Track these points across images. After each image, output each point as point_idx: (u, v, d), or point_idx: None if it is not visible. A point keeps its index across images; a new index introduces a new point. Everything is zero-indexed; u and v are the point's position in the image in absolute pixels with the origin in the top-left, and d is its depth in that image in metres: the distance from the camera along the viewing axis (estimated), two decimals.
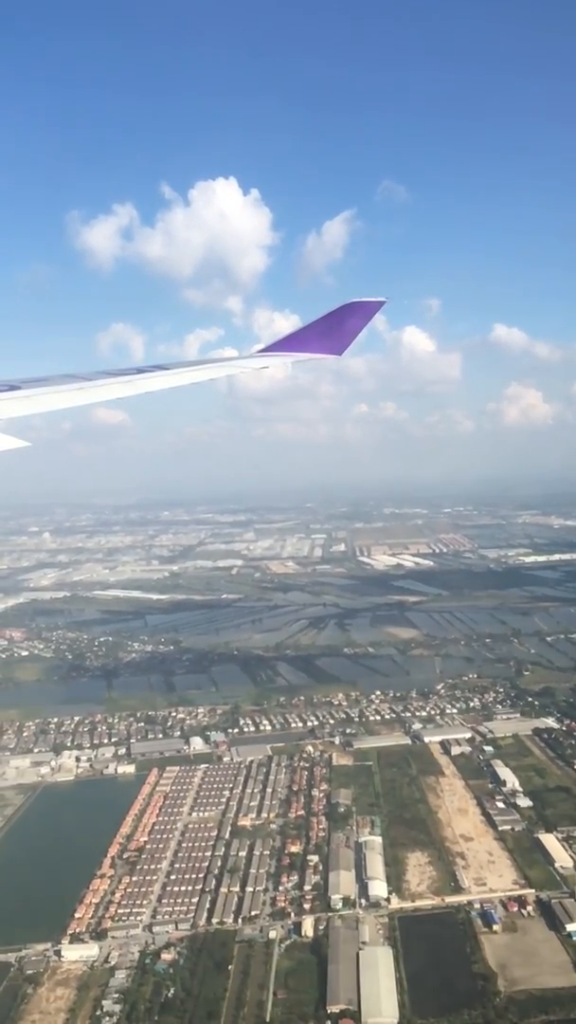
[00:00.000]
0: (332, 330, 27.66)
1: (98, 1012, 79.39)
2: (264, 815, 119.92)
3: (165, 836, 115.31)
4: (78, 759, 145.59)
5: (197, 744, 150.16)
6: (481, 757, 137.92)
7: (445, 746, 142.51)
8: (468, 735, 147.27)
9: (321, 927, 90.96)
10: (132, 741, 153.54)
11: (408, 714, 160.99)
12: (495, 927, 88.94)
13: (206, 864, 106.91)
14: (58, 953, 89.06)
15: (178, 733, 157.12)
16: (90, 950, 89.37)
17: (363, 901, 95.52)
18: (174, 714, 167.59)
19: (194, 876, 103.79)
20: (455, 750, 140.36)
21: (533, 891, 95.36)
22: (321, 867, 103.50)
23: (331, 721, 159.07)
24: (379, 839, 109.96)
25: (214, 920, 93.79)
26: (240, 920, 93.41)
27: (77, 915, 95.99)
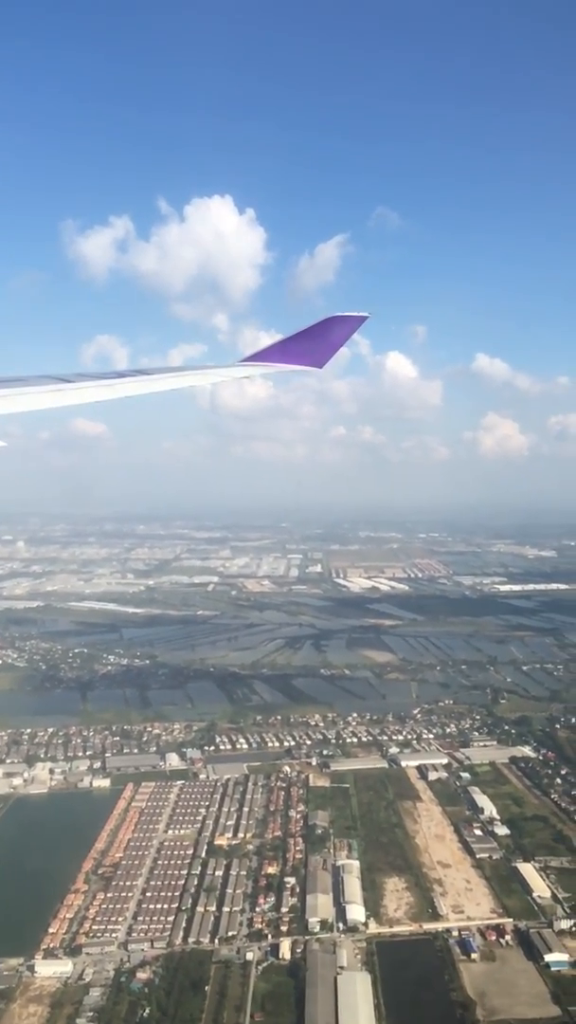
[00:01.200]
0: (314, 343, 27.80)
1: None
2: (241, 835, 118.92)
3: (140, 853, 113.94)
4: (52, 771, 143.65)
5: (173, 760, 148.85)
6: (458, 783, 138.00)
7: (422, 771, 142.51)
8: (445, 761, 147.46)
9: (298, 950, 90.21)
10: (107, 755, 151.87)
11: (385, 737, 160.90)
12: (473, 955, 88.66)
13: (182, 882, 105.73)
14: (31, 968, 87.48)
15: (154, 748, 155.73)
16: (64, 966, 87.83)
17: (341, 925, 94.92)
18: (150, 729, 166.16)
19: (170, 894, 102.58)
20: (432, 775, 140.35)
21: (511, 920, 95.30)
22: (298, 889, 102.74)
23: (308, 742, 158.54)
24: (356, 863, 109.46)
25: (190, 939, 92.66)
26: (217, 940, 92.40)
27: (51, 930, 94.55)
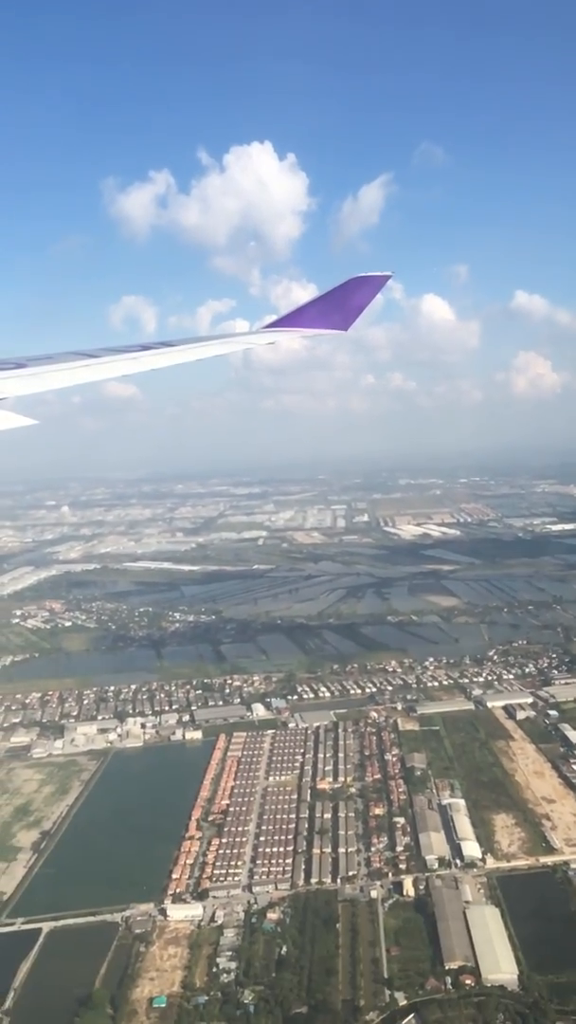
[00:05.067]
0: (338, 305, 27.57)
1: (214, 969, 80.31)
2: (341, 779, 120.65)
3: (246, 799, 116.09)
4: (143, 726, 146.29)
5: (259, 710, 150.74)
6: (547, 721, 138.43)
7: (509, 711, 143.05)
8: (530, 700, 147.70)
9: (421, 886, 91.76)
10: (194, 708, 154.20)
11: (465, 680, 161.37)
12: None
13: (292, 826, 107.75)
14: (163, 912, 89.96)
15: (238, 700, 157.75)
16: (194, 910, 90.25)
17: (458, 861, 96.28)
18: (229, 682, 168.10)
19: (283, 838, 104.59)
20: (520, 715, 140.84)
21: None
22: (409, 828, 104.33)
23: (389, 687, 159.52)
24: (462, 801, 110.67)
25: (312, 880, 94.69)
26: (338, 880, 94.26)
27: (174, 876, 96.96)
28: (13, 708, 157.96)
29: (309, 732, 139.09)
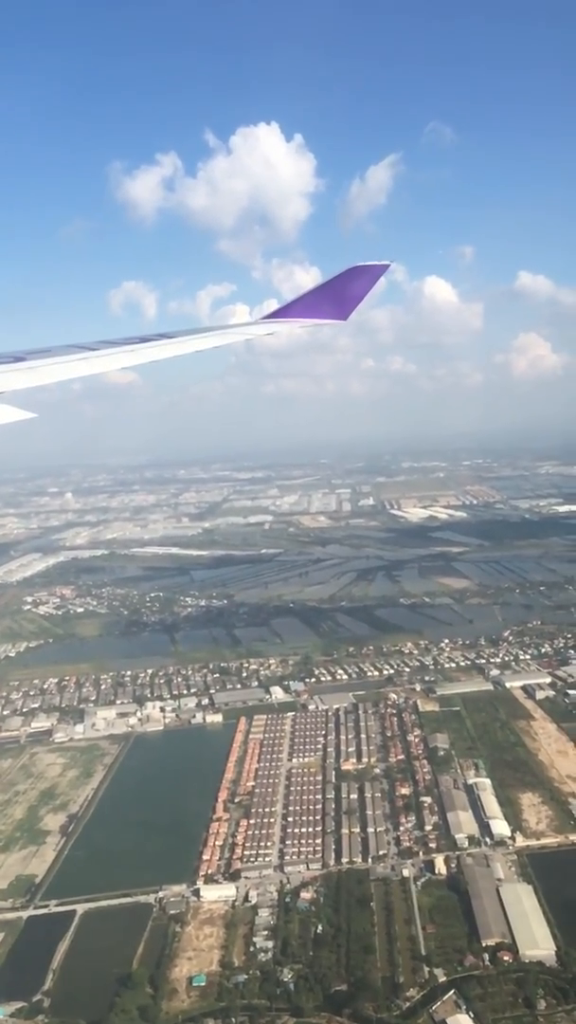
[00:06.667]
0: (337, 295, 27.51)
1: (251, 948, 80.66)
2: (365, 760, 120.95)
3: (272, 781, 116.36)
4: (163, 709, 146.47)
5: (278, 693, 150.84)
6: (567, 701, 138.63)
7: (528, 691, 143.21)
8: (548, 680, 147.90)
9: (452, 865, 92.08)
10: (212, 691, 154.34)
11: (482, 661, 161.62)
12: None
13: (319, 807, 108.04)
14: (196, 893, 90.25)
15: (256, 683, 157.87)
16: (227, 890, 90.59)
17: (487, 840, 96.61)
18: (246, 665, 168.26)
19: (311, 818, 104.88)
20: (539, 695, 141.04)
21: None
22: (437, 808, 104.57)
23: (407, 669, 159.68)
24: (488, 780, 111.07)
25: (343, 860, 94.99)
26: (369, 859, 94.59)
27: (204, 857, 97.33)
28: (32, 693, 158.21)
29: (329, 714, 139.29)
